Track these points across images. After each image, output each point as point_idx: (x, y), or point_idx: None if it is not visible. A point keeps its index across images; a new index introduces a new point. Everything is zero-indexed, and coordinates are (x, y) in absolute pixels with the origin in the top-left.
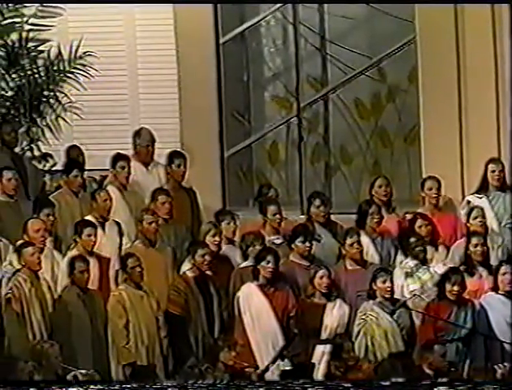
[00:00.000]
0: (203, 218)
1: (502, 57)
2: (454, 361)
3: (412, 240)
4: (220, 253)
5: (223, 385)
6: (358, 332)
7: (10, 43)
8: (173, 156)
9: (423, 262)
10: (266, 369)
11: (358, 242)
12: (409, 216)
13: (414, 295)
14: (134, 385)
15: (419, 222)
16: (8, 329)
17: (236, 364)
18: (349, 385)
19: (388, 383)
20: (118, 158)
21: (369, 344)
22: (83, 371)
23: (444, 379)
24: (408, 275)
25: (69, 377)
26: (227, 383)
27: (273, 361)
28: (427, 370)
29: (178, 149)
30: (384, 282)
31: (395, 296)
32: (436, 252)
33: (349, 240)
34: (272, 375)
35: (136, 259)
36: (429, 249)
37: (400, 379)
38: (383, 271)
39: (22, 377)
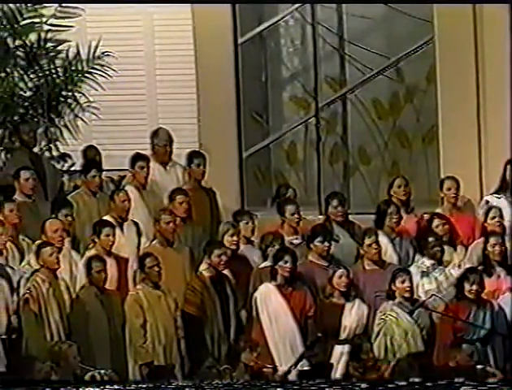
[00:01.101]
0: (223, 219)
1: None
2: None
3: (430, 239)
4: (239, 253)
5: (239, 385)
6: (378, 332)
7: (28, 43)
8: (193, 156)
9: (440, 262)
10: (289, 371)
11: (377, 242)
12: (426, 216)
13: (432, 295)
14: (150, 385)
15: (436, 221)
16: (26, 329)
17: (256, 364)
18: (366, 385)
19: (404, 383)
20: (137, 158)
21: (388, 344)
22: (101, 371)
23: (461, 379)
24: (424, 274)
25: (87, 377)
26: (243, 383)
27: (295, 364)
28: (454, 369)
29: (197, 149)
30: (403, 282)
31: (414, 297)
32: (455, 252)
33: (367, 241)
34: (290, 376)
35: (154, 259)
36: (447, 248)
37: (417, 379)
38: (402, 271)
39: (39, 377)
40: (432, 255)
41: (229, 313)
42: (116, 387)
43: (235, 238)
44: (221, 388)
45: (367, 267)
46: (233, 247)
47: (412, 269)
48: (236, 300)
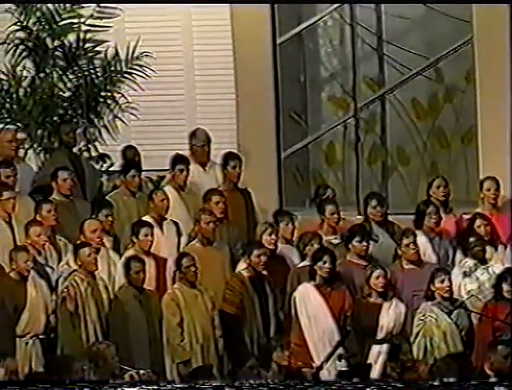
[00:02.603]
0: (258, 219)
1: None
2: None
3: (471, 239)
4: (278, 253)
5: (275, 385)
6: (417, 333)
7: (67, 44)
8: (228, 157)
9: (482, 261)
10: (320, 367)
11: (415, 243)
12: (467, 216)
13: (472, 295)
14: (186, 385)
15: (478, 222)
16: (61, 328)
17: (292, 364)
18: (401, 385)
19: (440, 384)
20: (177, 160)
21: (428, 345)
22: (140, 371)
23: (494, 379)
24: (466, 274)
25: (126, 377)
26: (279, 382)
27: (327, 360)
28: (488, 371)
29: (233, 151)
30: (443, 282)
31: (453, 297)
32: (495, 252)
33: (405, 241)
34: (329, 375)
35: (190, 259)
36: (488, 249)
37: (453, 379)
38: (441, 271)
39: (76, 377)
40: (474, 255)
41: (268, 313)
42: (153, 387)
43: (273, 237)
44: (256, 388)
45: (406, 266)
46: (271, 247)
47: (454, 270)
48: (275, 300)
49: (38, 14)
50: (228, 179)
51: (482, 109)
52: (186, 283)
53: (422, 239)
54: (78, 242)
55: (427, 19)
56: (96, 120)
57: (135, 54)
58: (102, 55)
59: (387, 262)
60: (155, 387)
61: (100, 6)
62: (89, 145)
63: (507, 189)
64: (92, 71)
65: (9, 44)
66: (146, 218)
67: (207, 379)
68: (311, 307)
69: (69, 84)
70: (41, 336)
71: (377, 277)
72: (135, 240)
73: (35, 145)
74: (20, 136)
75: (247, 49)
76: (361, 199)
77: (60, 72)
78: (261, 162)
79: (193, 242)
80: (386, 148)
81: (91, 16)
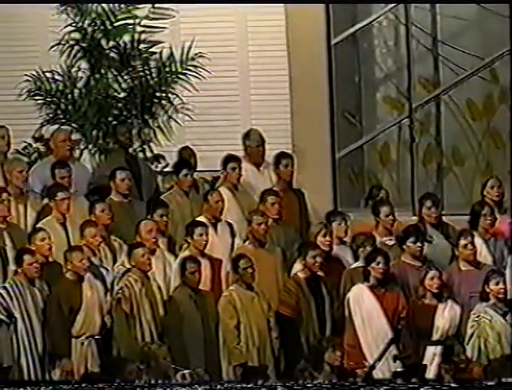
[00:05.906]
0: (312, 220)
1: None
2: None
3: None
4: (332, 254)
5: (327, 385)
6: (472, 334)
7: (122, 44)
8: (280, 157)
9: None
10: (373, 367)
11: (472, 243)
12: None
13: None
14: (240, 385)
15: None
16: (117, 329)
17: (346, 365)
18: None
19: (495, 384)
20: (228, 159)
21: (482, 346)
22: (192, 371)
23: None
24: None
25: (178, 376)
26: (332, 383)
27: (379, 359)
28: None
29: (285, 150)
30: (498, 283)
31: (508, 298)
32: None
33: (462, 242)
34: (383, 375)
35: (247, 260)
36: None
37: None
38: (496, 273)
39: (130, 378)
40: None
41: (324, 314)
42: (206, 387)
43: (328, 238)
44: (311, 388)
45: (463, 268)
46: (326, 248)
47: (508, 271)
48: (331, 301)
49: (93, 15)
50: (282, 179)
51: None
52: (243, 284)
53: (477, 240)
54: (133, 242)
55: (482, 19)
56: (150, 121)
57: (190, 55)
58: (157, 56)
59: (441, 264)
60: (209, 388)
61: (155, 7)
62: (144, 146)
63: None
64: (147, 71)
65: (64, 45)
66: (200, 218)
67: (260, 379)
68: (365, 308)
69: (124, 85)
70: (96, 337)
71: (432, 278)
72: (189, 240)
73: (90, 146)
74: (75, 136)
75: (302, 50)
76: (416, 200)
77: (115, 73)
78: (315, 162)
79: (245, 243)
80: (441, 148)
81: (146, 17)
